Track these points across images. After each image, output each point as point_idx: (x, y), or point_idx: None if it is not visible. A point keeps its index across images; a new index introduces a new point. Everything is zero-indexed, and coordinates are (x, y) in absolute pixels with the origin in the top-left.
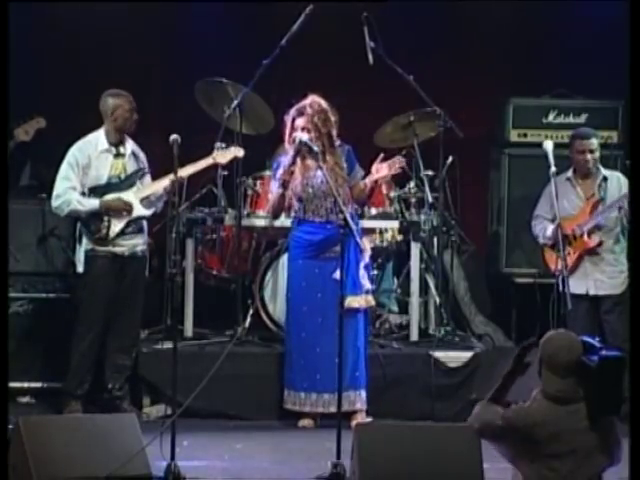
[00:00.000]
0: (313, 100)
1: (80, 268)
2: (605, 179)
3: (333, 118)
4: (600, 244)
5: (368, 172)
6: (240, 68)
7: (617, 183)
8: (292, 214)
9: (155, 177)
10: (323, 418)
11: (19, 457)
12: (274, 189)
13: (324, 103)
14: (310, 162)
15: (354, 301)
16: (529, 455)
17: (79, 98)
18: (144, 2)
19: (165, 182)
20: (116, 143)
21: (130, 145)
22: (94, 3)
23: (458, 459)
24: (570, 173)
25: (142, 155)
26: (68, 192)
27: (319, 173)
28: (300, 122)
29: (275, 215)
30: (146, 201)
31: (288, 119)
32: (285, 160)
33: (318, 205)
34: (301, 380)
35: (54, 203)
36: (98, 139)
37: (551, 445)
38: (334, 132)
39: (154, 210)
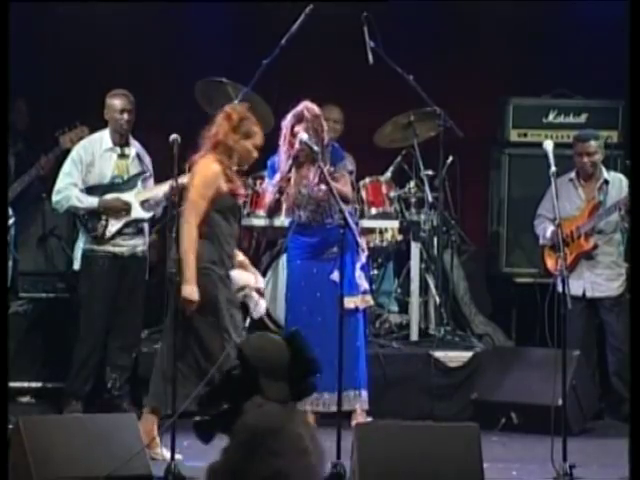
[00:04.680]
0: (308, 106)
1: (76, 266)
2: (607, 182)
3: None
4: (595, 247)
5: (367, 173)
6: (240, 68)
7: (619, 186)
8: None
9: (156, 177)
10: (323, 418)
11: (19, 457)
12: (269, 188)
13: (317, 109)
14: (305, 171)
15: (350, 301)
16: None
17: (79, 98)
18: (144, 2)
19: (165, 187)
20: (120, 144)
21: (135, 148)
22: (94, 3)
23: (458, 459)
24: (573, 174)
25: (147, 159)
26: (69, 188)
27: (312, 179)
28: (300, 128)
29: (270, 215)
30: (146, 204)
31: (286, 125)
32: (281, 164)
33: (313, 211)
34: None
35: (54, 198)
36: (103, 138)
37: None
38: (326, 137)
39: (153, 214)
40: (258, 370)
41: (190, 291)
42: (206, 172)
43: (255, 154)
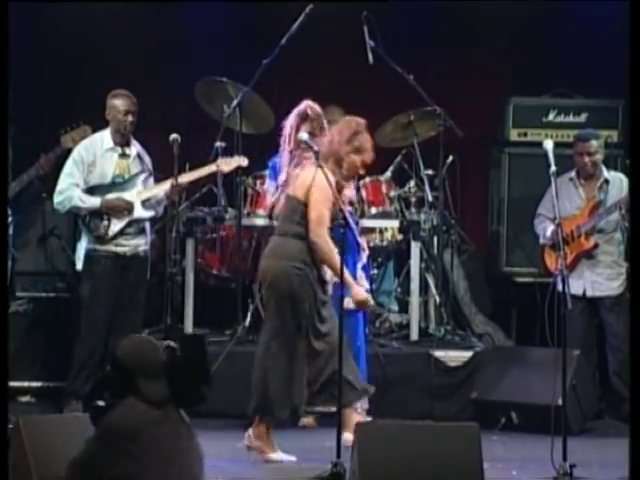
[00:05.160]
0: (311, 105)
1: (79, 266)
2: (607, 181)
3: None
4: (596, 246)
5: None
6: (240, 68)
7: (619, 185)
8: None
9: (156, 177)
10: (323, 418)
11: (19, 457)
12: (271, 189)
13: (319, 108)
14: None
15: (351, 302)
16: None
17: (78, 98)
18: (144, 2)
19: (166, 186)
20: (121, 143)
21: (136, 147)
22: (94, 3)
23: (458, 459)
24: (573, 174)
25: (147, 159)
26: (71, 188)
27: None
28: (305, 127)
29: (271, 216)
30: (147, 203)
31: (290, 125)
32: (284, 165)
33: None
34: None
35: (56, 199)
36: (104, 138)
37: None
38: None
39: (154, 213)
40: (131, 370)
41: (357, 291)
42: (325, 185)
43: (361, 171)
